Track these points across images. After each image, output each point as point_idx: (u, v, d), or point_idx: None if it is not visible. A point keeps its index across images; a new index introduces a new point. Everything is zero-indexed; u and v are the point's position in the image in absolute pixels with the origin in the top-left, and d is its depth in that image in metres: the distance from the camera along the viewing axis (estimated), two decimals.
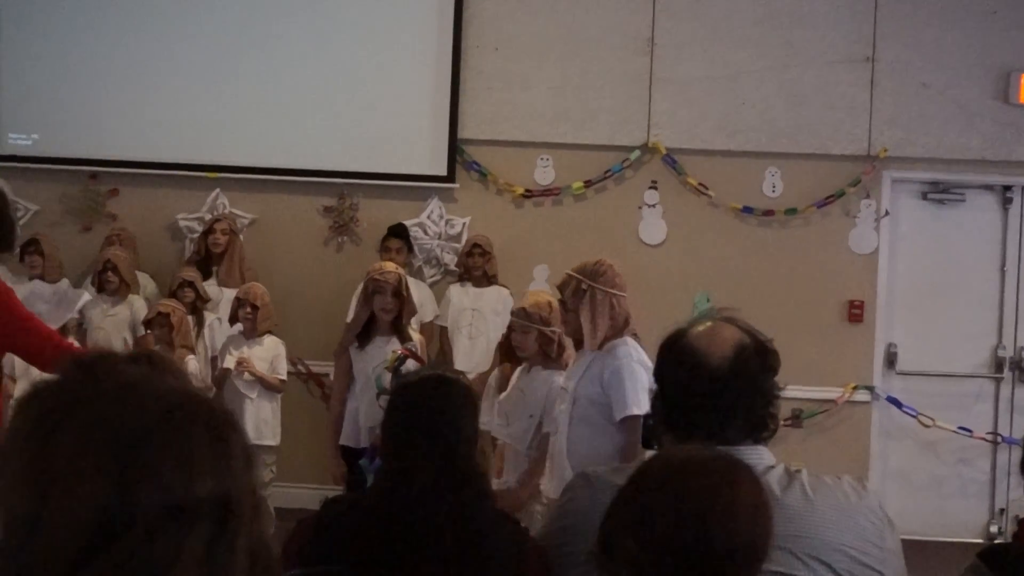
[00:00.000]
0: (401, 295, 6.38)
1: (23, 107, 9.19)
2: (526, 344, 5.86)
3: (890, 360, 9.06)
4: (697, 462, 2.06)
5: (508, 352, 6.13)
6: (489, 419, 5.74)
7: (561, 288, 5.59)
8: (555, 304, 5.84)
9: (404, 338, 6.42)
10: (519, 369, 6.09)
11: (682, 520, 1.96)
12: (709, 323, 2.73)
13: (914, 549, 8.19)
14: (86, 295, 7.92)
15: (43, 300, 7.17)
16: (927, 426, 8.85)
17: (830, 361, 8.91)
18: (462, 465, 2.77)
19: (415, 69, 9.13)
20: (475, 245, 8.71)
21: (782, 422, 8.70)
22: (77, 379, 1.45)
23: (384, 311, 6.36)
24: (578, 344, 5.61)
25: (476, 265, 8.67)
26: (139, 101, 9.11)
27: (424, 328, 8.52)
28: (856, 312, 8.96)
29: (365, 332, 6.43)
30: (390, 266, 6.55)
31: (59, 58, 9.15)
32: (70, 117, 9.15)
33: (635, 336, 5.62)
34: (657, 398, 2.71)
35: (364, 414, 6.40)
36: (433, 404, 2.90)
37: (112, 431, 1.38)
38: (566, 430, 5.39)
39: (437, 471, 2.68)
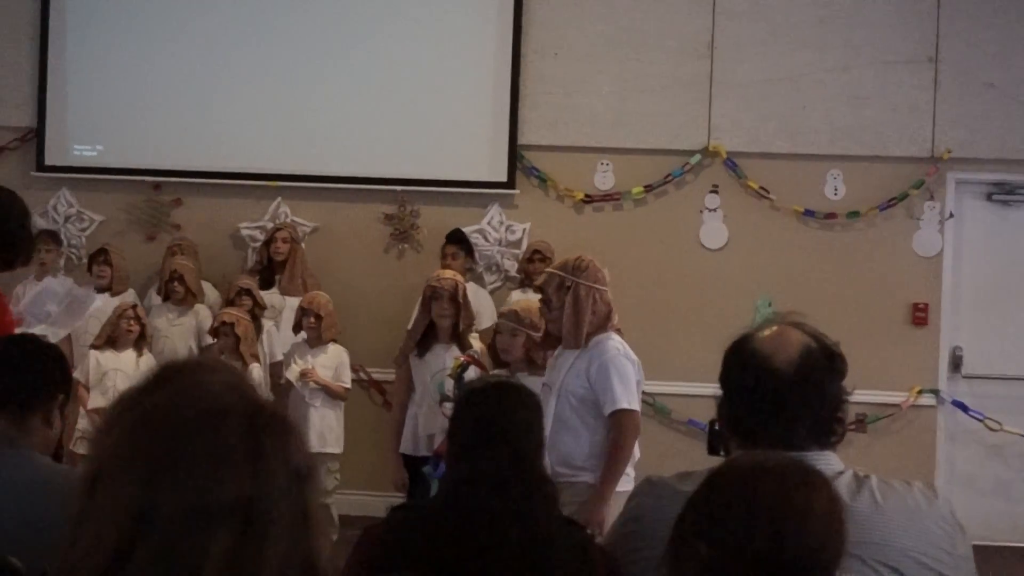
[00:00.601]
0: (458, 302, 6.39)
1: (88, 119, 9.31)
2: (513, 347, 5.82)
3: (955, 363, 8.96)
4: (771, 467, 2.04)
5: (495, 356, 6.04)
6: None
7: (544, 287, 5.54)
8: None
9: (464, 345, 6.43)
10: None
11: (754, 525, 1.94)
12: (775, 327, 2.71)
13: (981, 554, 8.10)
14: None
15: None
16: (994, 430, 8.74)
17: (895, 365, 8.83)
18: (529, 471, 2.77)
19: (474, 75, 9.15)
20: (535, 251, 8.71)
21: (847, 427, 8.65)
22: (146, 384, 1.47)
23: (441, 317, 6.38)
24: (558, 341, 5.54)
25: (537, 271, 8.65)
26: (202, 112, 9.20)
27: (484, 334, 8.51)
28: (920, 315, 8.87)
29: (425, 340, 6.44)
30: (448, 273, 6.58)
31: (123, 70, 9.26)
32: (134, 128, 9.26)
33: (618, 332, 5.59)
34: (723, 403, 2.69)
35: (424, 421, 6.42)
36: (499, 411, 2.89)
37: (147, 432, 1.40)
38: (548, 426, 5.30)
39: (504, 477, 2.68)
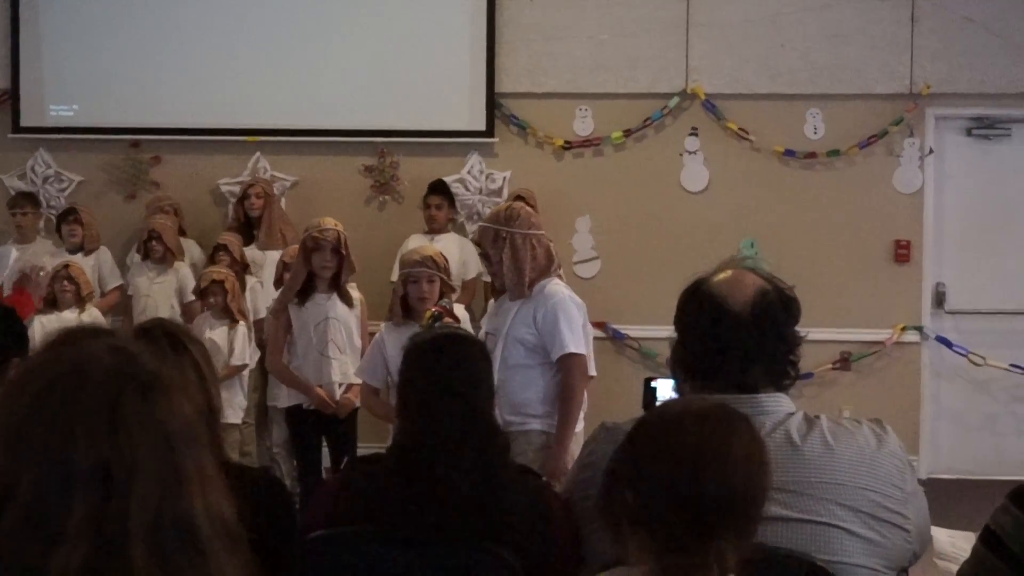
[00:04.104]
0: (340, 252, 6.34)
1: (63, 78, 9.25)
2: (434, 294, 5.79)
3: (939, 299, 8.97)
4: (693, 413, 2.05)
5: (406, 309, 5.90)
6: None
7: (479, 242, 5.53)
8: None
9: (344, 295, 6.40)
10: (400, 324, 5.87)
11: (675, 470, 1.96)
12: (730, 272, 2.72)
13: (969, 488, 8.18)
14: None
15: None
16: (978, 365, 8.76)
17: (878, 302, 8.84)
18: (482, 422, 2.77)
19: (451, 24, 9.10)
20: (519, 197, 8.62)
21: (831, 365, 8.69)
22: (34, 353, 1.48)
23: (323, 268, 6.32)
24: (502, 291, 5.51)
25: None
26: (178, 68, 9.14)
27: (467, 284, 8.53)
28: (903, 252, 8.87)
29: (304, 289, 6.39)
30: (330, 223, 6.46)
31: (97, 28, 9.19)
32: (110, 86, 9.20)
33: (560, 277, 5.60)
34: (677, 346, 2.69)
35: (312, 373, 6.39)
36: (448, 361, 2.89)
37: (11, 398, 1.42)
38: (495, 374, 5.28)
39: (457, 430, 2.68)
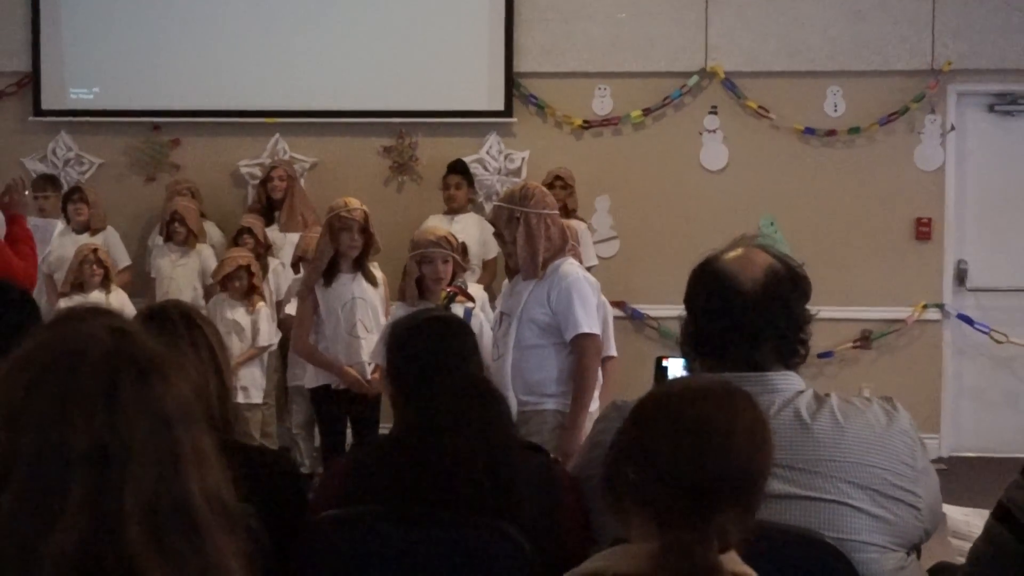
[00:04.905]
0: (367, 231, 6.36)
1: (84, 61, 9.27)
2: (448, 273, 5.82)
3: (960, 277, 8.93)
4: (695, 390, 2.05)
5: (421, 289, 5.92)
6: None
7: (494, 222, 5.51)
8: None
9: (367, 274, 6.43)
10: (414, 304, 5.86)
11: (677, 448, 1.96)
12: (740, 250, 2.72)
13: (990, 466, 8.13)
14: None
15: None
16: (1000, 342, 8.73)
17: (899, 280, 8.81)
18: (481, 388, 2.77)
19: (469, 3, 9.08)
20: (557, 177, 8.50)
21: (852, 344, 8.65)
22: (33, 333, 1.48)
23: (351, 248, 6.34)
24: (516, 271, 5.51)
25: (558, 198, 8.51)
26: (198, 50, 9.16)
27: (488, 264, 8.52)
28: (924, 230, 8.83)
29: (328, 270, 6.38)
30: (354, 203, 6.47)
31: (117, 11, 9.21)
32: (130, 69, 9.22)
33: (576, 254, 5.62)
34: (688, 324, 2.69)
35: (343, 356, 6.38)
36: (431, 339, 2.92)
37: (10, 377, 1.42)
38: (509, 355, 5.29)
39: (457, 399, 2.68)
